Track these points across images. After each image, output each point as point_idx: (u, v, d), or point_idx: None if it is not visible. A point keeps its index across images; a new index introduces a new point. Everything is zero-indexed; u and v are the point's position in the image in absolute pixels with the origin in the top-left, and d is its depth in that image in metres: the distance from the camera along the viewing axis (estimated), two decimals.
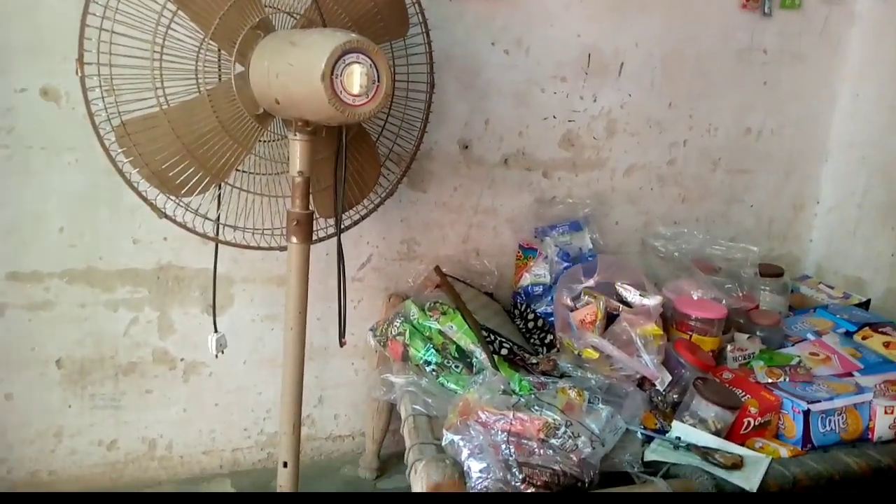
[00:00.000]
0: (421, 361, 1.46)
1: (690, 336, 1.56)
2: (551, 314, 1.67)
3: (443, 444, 1.18)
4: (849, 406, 1.39)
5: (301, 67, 1.13)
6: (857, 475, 1.29)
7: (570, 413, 1.22)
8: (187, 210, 1.44)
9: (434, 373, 1.45)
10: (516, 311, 1.79)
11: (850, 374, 1.54)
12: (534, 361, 1.48)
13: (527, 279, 1.80)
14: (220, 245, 1.53)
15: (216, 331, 1.64)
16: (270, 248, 1.54)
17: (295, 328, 1.38)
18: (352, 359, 1.90)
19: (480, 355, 1.44)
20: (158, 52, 1.27)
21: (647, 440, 1.30)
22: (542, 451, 1.13)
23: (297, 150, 1.30)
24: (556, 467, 1.11)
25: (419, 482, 1.15)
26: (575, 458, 1.13)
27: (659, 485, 1.17)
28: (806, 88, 2.10)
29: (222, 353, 1.66)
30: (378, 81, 1.13)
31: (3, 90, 1.46)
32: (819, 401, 1.37)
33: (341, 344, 1.50)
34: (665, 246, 1.97)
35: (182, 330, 1.72)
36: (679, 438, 1.28)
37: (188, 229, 1.45)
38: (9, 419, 1.64)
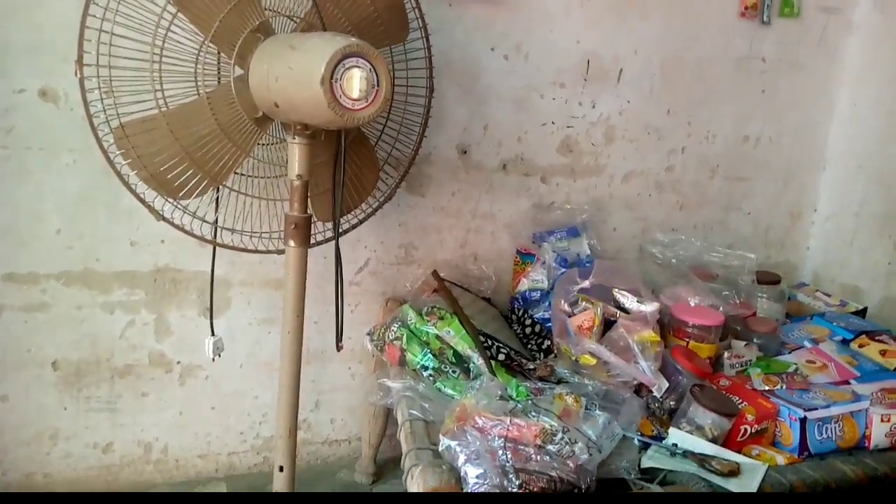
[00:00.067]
0: (418, 366, 1.46)
1: (687, 343, 1.56)
2: (549, 320, 1.67)
3: (439, 449, 1.18)
4: (845, 414, 1.39)
5: (301, 71, 1.13)
6: (853, 483, 1.29)
7: (567, 419, 1.22)
8: (185, 213, 1.44)
9: (431, 378, 1.44)
10: (514, 317, 1.79)
11: (847, 382, 1.55)
12: (531, 367, 1.47)
13: (524, 284, 1.80)
14: (217, 248, 1.53)
15: (213, 334, 1.64)
16: (268, 252, 1.54)
17: (292, 332, 1.37)
18: (349, 363, 1.89)
19: (478, 360, 1.44)
20: (158, 54, 1.28)
21: (644, 447, 1.30)
22: (538, 457, 1.13)
23: (295, 153, 1.30)
24: (553, 473, 1.11)
25: (416, 487, 1.14)
26: (572, 465, 1.13)
27: (655, 491, 1.17)
28: (804, 97, 2.11)
29: (219, 356, 1.66)
30: (377, 86, 1.13)
31: (2, 91, 1.46)
32: (816, 408, 1.37)
33: (338, 348, 1.50)
34: (663, 252, 1.98)
35: (179, 333, 1.72)
36: (676, 445, 1.28)
37: (186, 232, 1.44)
38: (4, 421, 1.63)
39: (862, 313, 1.92)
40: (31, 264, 1.57)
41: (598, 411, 1.29)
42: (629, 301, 1.58)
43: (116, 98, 1.28)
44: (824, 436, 1.36)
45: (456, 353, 1.46)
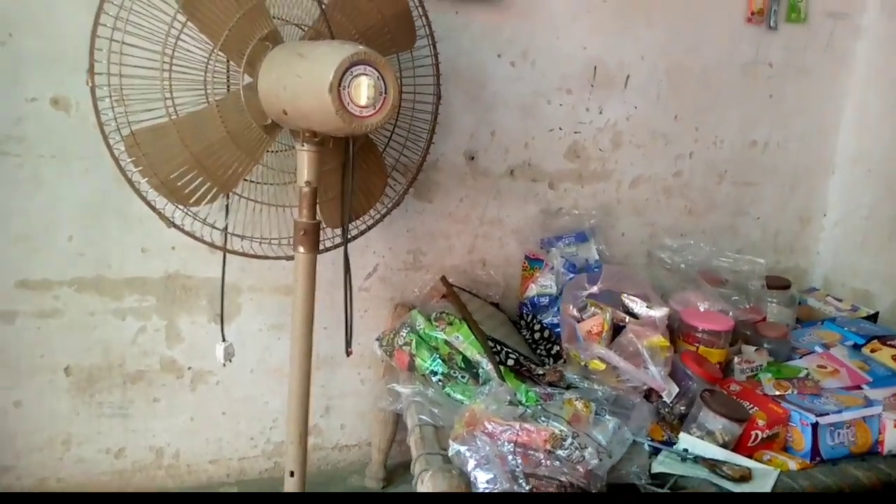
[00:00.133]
0: (427, 371, 1.46)
1: (697, 348, 1.55)
2: (558, 325, 1.67)
3: (449, 454, 1.18)
4: (857, 419, 1.38)
5: (309, 79, 1.14)
6: (866, 488, 1.28)
7: (576, 424, 1.22)
8: (195, 219, 1.44)
9: (440, 383, 1.44)
10: (522, 322, 1.79)
11: (859, 388, 1.54)
12: (540, 372, 1.47)
13: (533, 290, 1.80)
14: (227, 254, 1.54)
15: (224, 340, 1.65)
16: (278, 258, 1.55)
17: (301, 337, 1.38)
18: (358, 368, 1.90)
19: (487, 366, 1.44)
20: (168, 62, 1.29)
21: (655, 452, 1.30)
22: (548, 463, 1.13)
23: (304, 160, 1.31)
24: (563, 478, 1.11)
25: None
26: (582, 470, 1.13)
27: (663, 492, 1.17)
28: (811, 101, 2.10)
29: (230, 361, 1.66)
30: (385, 93, 1.14)
31: (15, 100, 1.48)
32: (827, 413, 1.36)
33: (348, 353, 1.50)
34: (671, 258, 1.97)
35: (189, 339, 1.73)
36: (686, 450, 1.28)
37: (196, 238, 1.46)
38: (18, 426, 1.64)
39: (873, 318, 1.91)
40: (44, 271, 1.58)
41: (607, 416, 1.29)
42: (638, 306, 1.58)
43: (127, 106, 1.30)
44: (837, 441, 1.35)
45: (465, 359, 1.46)
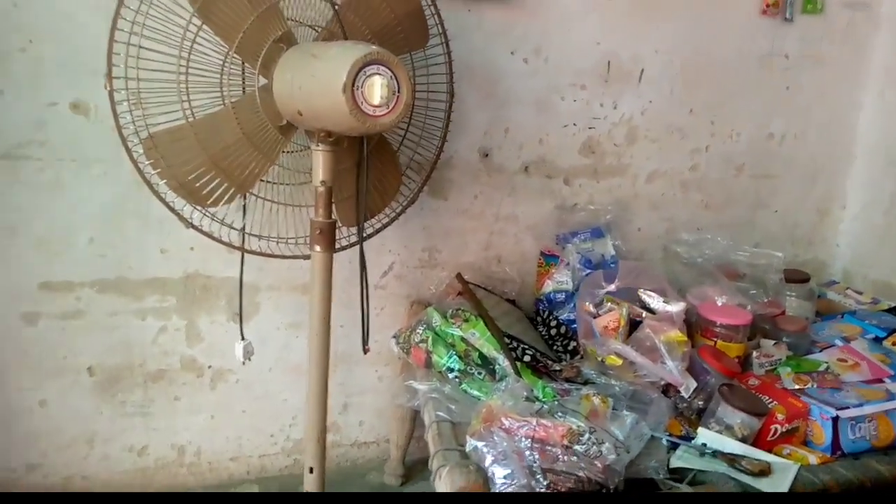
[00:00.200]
0: (444, 368, 1.47)
1: (715, 342, 1.54)
2: (574, 321, 1.67)
3: (467, 450, 1.19)
4: (879, 413, 1.37)
5: (323, 79, 1.15)
6: (888, 483, 1.27)
7: (594, 420, 1.22)
8: (213, 220, 1.46)
9: (457, 379, 1.45)
10: (539, 318, 1.79)
11: (881, 381, 1.52)
12: (557, 368, 1.48)
13: (549, 286, 1.80)
14: (245, 254, 1.55)
15: (243, 338, 1.66)
16: (294, 257, 1.56)
17: (319, 335, 1.39)
18: (375, 366, 1.91)
19: (503, 362, 1.44)
20: (184, 66, 1.30)
21: (673, 447, 1.29)
22: (566, 458, 1.13)
23: (319, 160, 1.32)
24: (581, 474, 1.11)
25: (444, 488, 1.15)
26: (599, 465, 1.13)
27: (685, 492, 1.16)
28: (829, 93, 2.08)
29: (249, 360, 1.68)
30: (398, 92, 1.15)
31: (36, 105, 1.50)
32: (848, 407, 1.35)
33: (365, 351, 1.52)
34: (688, 252, 1.96)
35: (209, 338, 1.75)
36: (705, 445, 1.27)
37: (214, 239, 1.47)
38: (43, 425, 1.67)
39: (895, 310, 1.88)
40: (66, 273, 1.61)
41: (625, 412, 1.29)
42: (655, 301, 1.57)
43: (145, 109, 1.31)
44: (858, 435, 1.34)
45: (481, 355, 1.47)
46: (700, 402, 1.40)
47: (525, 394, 1.30)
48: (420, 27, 1.51)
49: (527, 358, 1.48)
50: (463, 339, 1.49)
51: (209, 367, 1.77)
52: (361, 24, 1.40)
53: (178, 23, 1.29)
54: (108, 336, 1.67)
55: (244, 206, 1.51)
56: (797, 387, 1.45)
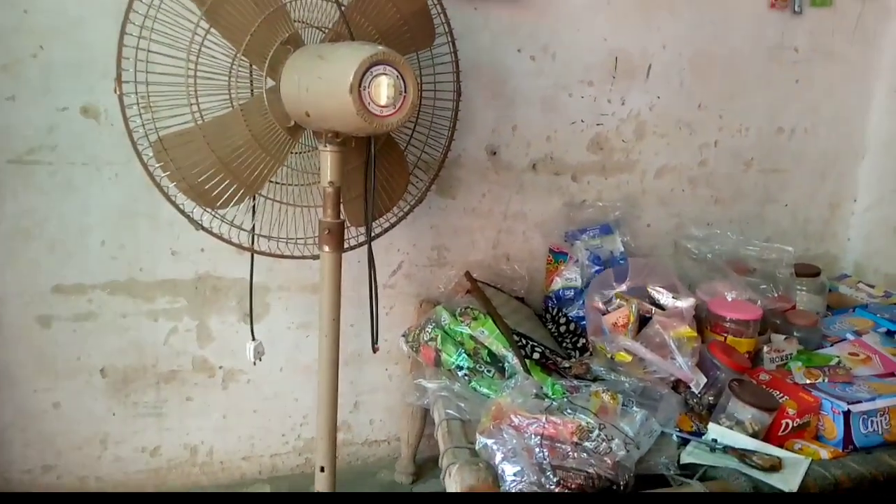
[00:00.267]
0: (453, 366, 1.47)
1: (725, 338, 1.54)
2: (583, 318, 1.67)
3: (476, 447, 1.19)
4: (892, 407, 1.36)
5: (330, 80, 1.15)
6: None
7: (603, 416, 1.22)
8: (223, 222, 1.47)
9: (466, 377, 1.45)
10: (548, 316, 1.79)
11: (893, 375, 1.51)
12: (566, 365, 1.47)
13: (558, 283, 1.80)
14: (255, 255, 1.56)
15: (253, 339, 1.67)
16: (304, 258, 1.57)
17: (329, 335, 1.40)
18: (385, 364, 1.92)
19: (512, 360, 1.45)
20: (192, 68, 1.31)
21: (683, 443, 1.29)
22: (575, 455, 1.14)
23: (327, 161, 1.33)
24: (591, 470, 1.11)
25: (454, 486, 1.16)
26: (609, 461, 1.13)
27: (696, 487, 1.16)
28: (840, 86, 2.07)
29: (260, 360, 1.69)
30: (405, 92, 1.15)
31: (47, 109, 1.51)
32: (860, 401, 1.34)
33: (374, 350, 1.52)
34: (698, 248, 1.95)
35: (220, 338, 1.76)
36: (715, 441, 1.27)
37: (224, 240, 1.48)
38: (57, 426, 1.69)
39: None
40: (78, 275, 1.63)
41: (635, 408, 1.29)
42: (664, 297, 1.57)
43: (154, 113, 1.32)
44: (870, 429, 1.33)
45: (490, 353, 1.47)
46: (710, 398, 1.39)
47: (534, 391, 1.30)
48: (426, 27, 1.51)
49: (536, 355, 1.48)
50: (472, 337, 1.50)
51: (220, 367, 1.78)
52: (368, 25, 1.41)
53: (187, 26, 1.30)
54: (120, 337, 1.69)
55: (253, 208, 1.52)
56: (808, 381, 1.44)
